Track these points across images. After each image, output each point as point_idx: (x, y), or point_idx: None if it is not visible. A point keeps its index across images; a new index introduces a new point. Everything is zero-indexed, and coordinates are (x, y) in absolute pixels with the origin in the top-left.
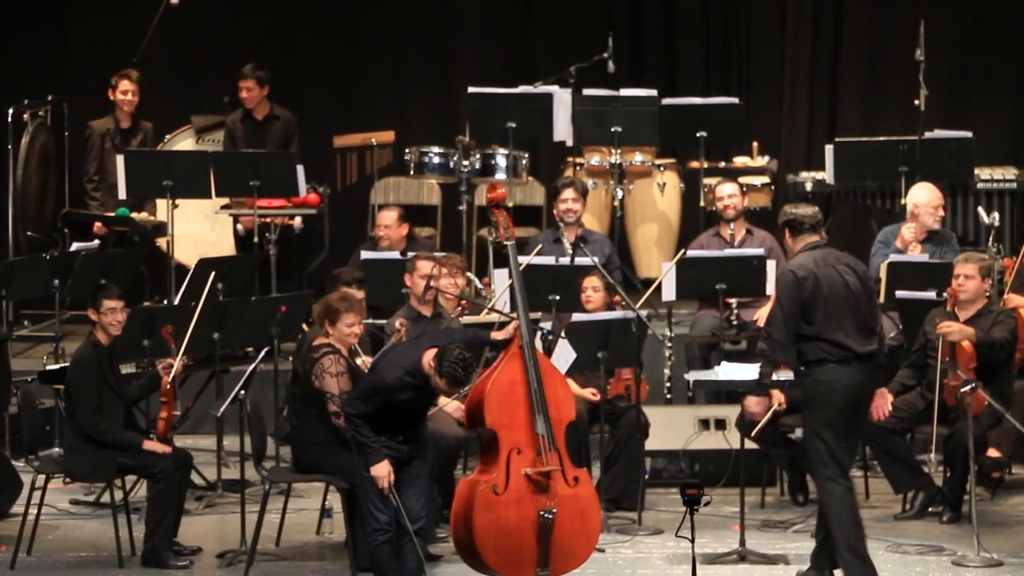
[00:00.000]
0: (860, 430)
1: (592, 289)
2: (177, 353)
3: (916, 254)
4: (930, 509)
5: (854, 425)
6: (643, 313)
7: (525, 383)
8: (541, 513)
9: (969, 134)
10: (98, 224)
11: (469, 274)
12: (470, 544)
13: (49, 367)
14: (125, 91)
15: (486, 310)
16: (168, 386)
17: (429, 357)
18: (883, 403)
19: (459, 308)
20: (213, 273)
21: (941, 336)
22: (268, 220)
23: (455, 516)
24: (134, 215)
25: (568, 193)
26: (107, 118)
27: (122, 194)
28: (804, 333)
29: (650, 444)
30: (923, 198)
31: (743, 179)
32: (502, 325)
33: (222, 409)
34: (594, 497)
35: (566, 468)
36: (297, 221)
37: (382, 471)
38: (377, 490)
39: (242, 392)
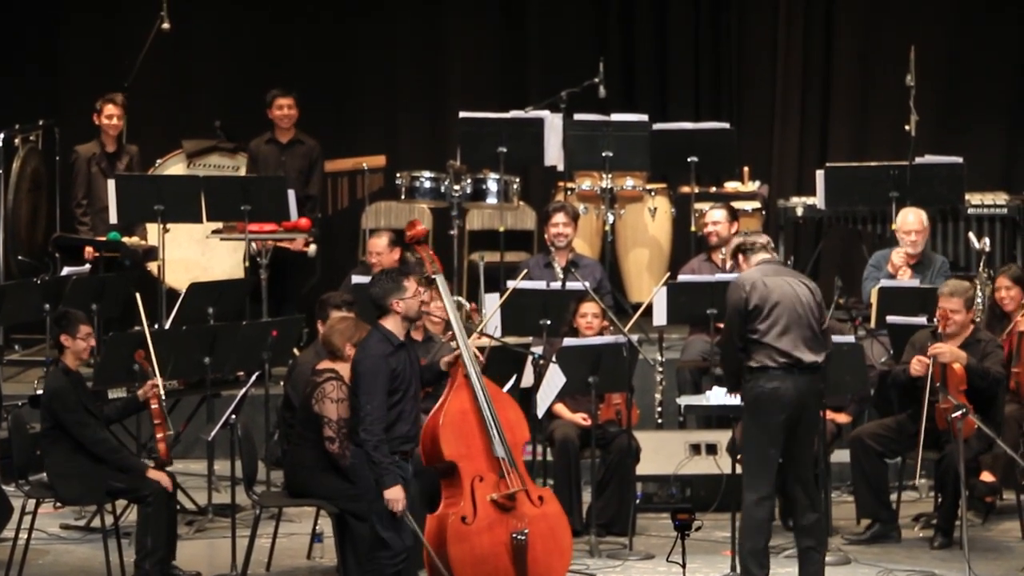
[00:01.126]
0: (802, 444)
1: (592, 315)
2: (154, 375)
3: (906, 279)
4: (863, 535)
5: (794, 437)
6: (634, 338)
7: (476, 411)
8: (514, 536)
9: (960, 160)
10: (89, 249)
11: (458, 298)
12: None
13: (39, 391)
14: (110, 115)
15: (476, 334)
16: (156, 408)
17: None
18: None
19: (449, 332)
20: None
21: (933, 358)
22: (260, 245)
23: (429, 555)
24: (125, 239)
25: (559, 217)
26: (92, 143)
27: (113, 218)
28: (749, 337)
29: (641, 469)
30: (899, 222)
31: (735, 204)
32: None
33: (213, 433)
34: (561, 513)
35: (530, 489)
36: (312, 249)
37: (398, 494)
38: (390, 515)
39: (233, 416)
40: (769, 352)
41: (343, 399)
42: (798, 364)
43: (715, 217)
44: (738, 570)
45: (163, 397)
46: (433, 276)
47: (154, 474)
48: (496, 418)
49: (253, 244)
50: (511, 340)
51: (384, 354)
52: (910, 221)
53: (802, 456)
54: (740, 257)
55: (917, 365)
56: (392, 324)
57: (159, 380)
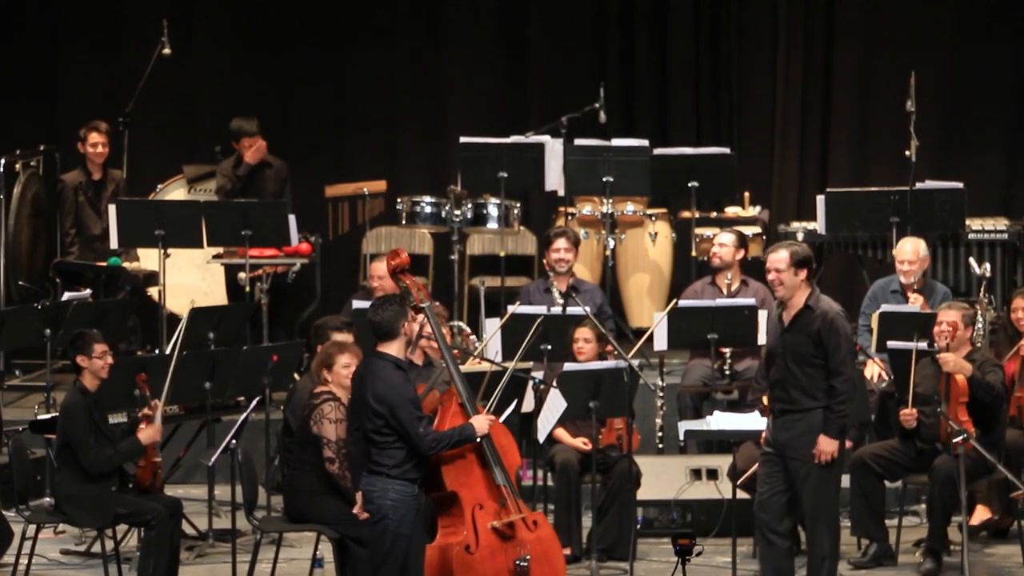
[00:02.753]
0: None
1: (584, 340)
2: (152, 400)
3: (917, 306)
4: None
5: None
6: (635, 363)
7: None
8: (517, 562)
9: (960, 185)
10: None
11: (459, 323)
12: None
13: (40, 416)
14: (95, 143)
15: (474, 358)
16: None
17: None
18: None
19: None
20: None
21: (936, 366)
22: (260, 271)
23: None
24: (125, 264)
25: (560, 243)
26: (77, 171)
27: (114, 243)
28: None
29: (642, 494)
30: (896, 250)
31: (735, 228)
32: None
33: (213, 458)
34: (553, 536)
35: (525, 513)
36: (297, 265)
37: (483, 422)
38: (399, 555)
39: (233, 441)
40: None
41: (341, 419)
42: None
43: (722, 240)
44: None
45: (159, 421)
46: (421, 305)
47: (144, 434)
48: (494, 446)
49: (241, 274)
50: (511, 365)
51: (405, 380)
52: (906, 251)
53: None
54: (806, 271)
55: (908, 418)
56: (396, 349)
57: (157, 404)
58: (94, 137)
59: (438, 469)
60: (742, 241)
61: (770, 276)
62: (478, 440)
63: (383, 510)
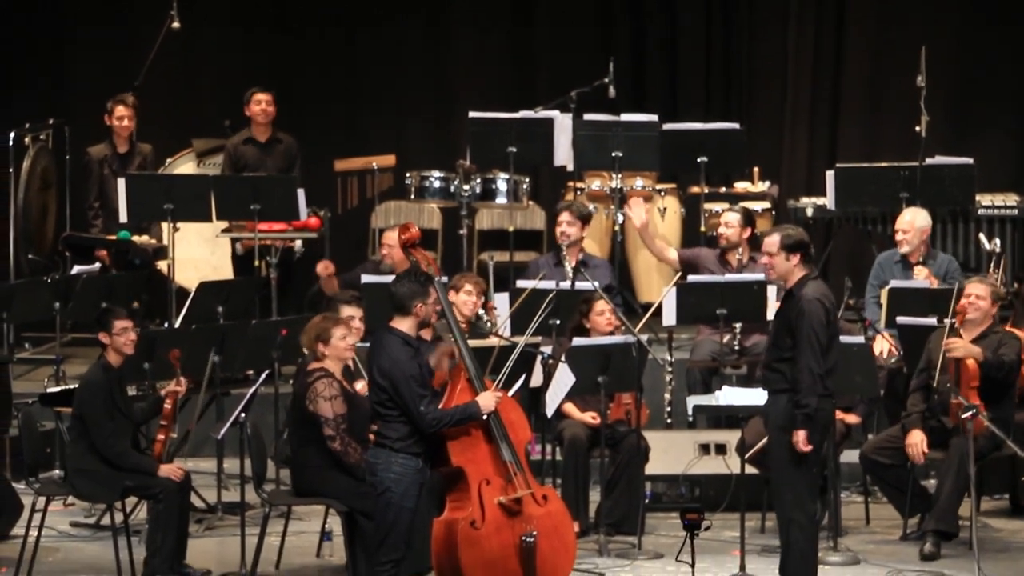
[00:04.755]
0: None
1: (609, 311)
2: (180, 376)
3: (922, 279)
4: (912, 534)
5: (822, 453)
6: (643, 338)
7: None
8: (523, 538)
9: (970, 160)
10: (103, 253)
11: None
12: None
13: (50, 390)
14: (121, 116)
15: (492, 335)
16: (169, 409)
17: (408, 313)
18: (917, 444)
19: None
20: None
21: (944, 353)
22: (269, 244)
23: (438, 560)
24: (135, 238)
25: (563, 216)
26: (103, 144)
27: (123, 217)
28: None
29: (650, 468)
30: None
31: (745, 204)
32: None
33: (222, 432)
34: (564, 510)
35: (534, 489)
36: (298, 244)
37: (488, 399)
38: (402, 528)
39: (242, 415)
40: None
41: (336, 395)
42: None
43: (728, 219)
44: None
45: (179, 400)
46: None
47: (165, 470)
48: (502, 422)
49: (238, 245)
50: (521, 340)
51: (411, 357)
52: (903, 220)
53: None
54: (798, 255)
55: (912, 451)
56: (407, 326)
57: (184, 381)
58: (120, 110)
59: (444, 445)
60: (748, 218)
61: (762, 259)
62: (484, 417)
63: (386, 483)
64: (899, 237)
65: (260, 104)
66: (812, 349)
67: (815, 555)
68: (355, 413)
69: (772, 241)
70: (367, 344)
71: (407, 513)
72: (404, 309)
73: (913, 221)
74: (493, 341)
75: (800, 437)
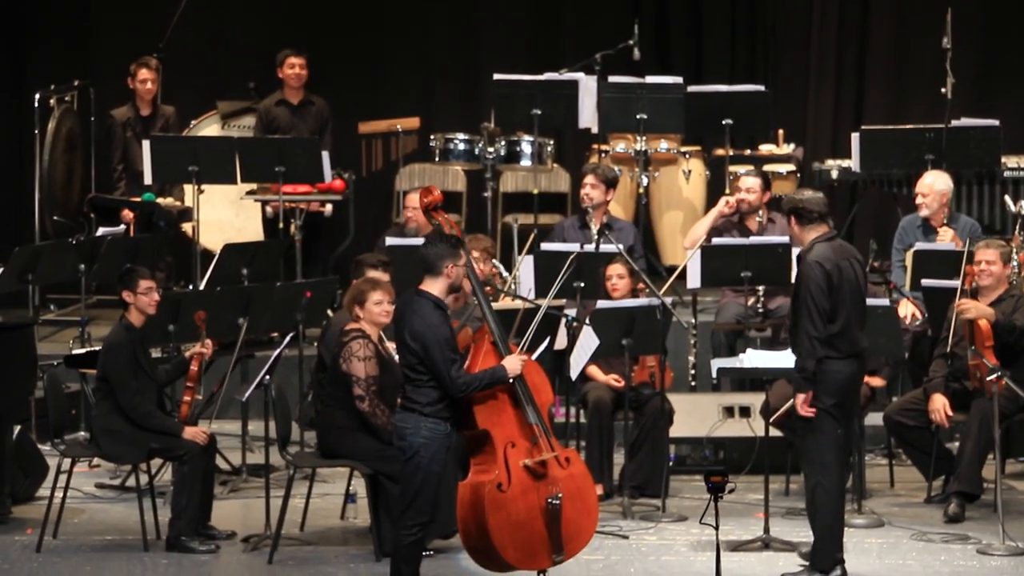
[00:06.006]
0: (855, 421)
1: (617, 277)
2: (206, 338)
3: (947, 241)
4: (936, 496)
5: (849, 416)
6: (668, 300)
7: None
8: (549, 500)
9: (996, 122)
10: (127, 213)
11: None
12: (487, 546)
13: (75, 351)
14: (144, 79)
15: (509, 297)
16: (195, 371)
17: (439, 275)
18: (940, 409)
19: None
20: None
21: (957, 315)
22: (293, 206)
23: (463, 523)
24: (159, 200)
25: (588, 179)
26: (127, 107)
27: (148, 179)
28: (830, 332)
29: (674, 431)
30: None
31: (769, 166)
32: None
33: (247, 394)
34: (586, 472)
35: (557, 451)
36: (328, 208)
37: (515, 363)
38: (429, 492)
39: (267, 377)
40: (838, 343)
41: (370, 357)
42: (858, 351)
43: (748, 184)
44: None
45: (204, 362)
46: None
47: (190, 432)
48: (526, 385)
49: (268, 207)
50: (544, 303)
51: (442, 320)
52: (923, 183)
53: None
54: (793, 219)
55: (935, 416)
56: (438, 289)
57: (211, 344)
58: (143, 73)
59: (470, 408)
60: (767, 183)
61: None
62: (510, 381)
63: (414, 447)
64: (919, 201)
65: (294, 68)
66: (808, 313)
67: (841, 519)
68: (388, 378)
69: (783, 206)
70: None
71: (434, 477)
72: (435, 270)
73: (933, 184)
74: (516, 304)
75: (799, 400)
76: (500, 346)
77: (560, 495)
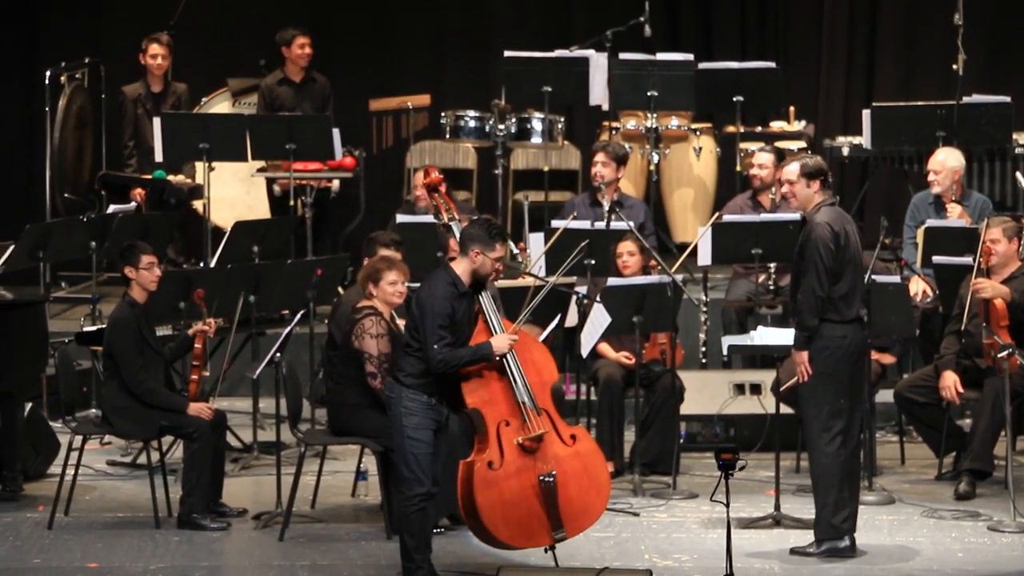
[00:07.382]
0: (863, 396)
1: (628, 254)
2: (208, 317)
3: (955, 218)
4: (947, 473)
5: (857, 389)
6: (679, 277)
7: None
8: (541, 478)
9: (1007, 99)
10: (138, 191)
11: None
12: (480, 524)
13: (86, 328)
14: (155, 55)
15: (522, 274)
16: (199, 349)
17: (466, 255)
18: (950, 387)
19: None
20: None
21: (972, 293)
22: (304, 183)
23: (461, 501)
24: (170, 178)
25: (598, 157)
26: (138, 83)
27: (159, 157)
28: (836, 293)
29: (685, 408)
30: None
31: (781, 143)
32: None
33: (258, 371)
34: (596, 450)
35: (560, 428)
36: (335, 184)
37: (502, 341)
38: (423, 462)
39: (278, 355)
40: (840, 306)
41: (382, 334)
42: (858, 317)
43: (761, 160)
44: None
45: (210, 339)
46: (450, 223)
47: (194, 408)
48: (517, 363)
49: (276, 185)
50: (552, 279)
51: (449, 296)
52: (936, 160)
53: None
54: (817, 182)
55: (946, 393)
56: (462, 270)
57: (213, 322)
58: (154, 48)
59: (459, 387)
60: (781, 157)
61: (783, 189)
62: (496, 359)
63: (399, 415)
64: (931, 178)
65: (304, 48)
66: (816, 270)
67: (845, 489)
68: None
69: (792, 169)
70: (416, 284)
71: (422, 446)
72: (463, 250)
73: (945, 161)
74: (527, 281)
75: (802, 358)
76: (492, 324)
77: (554, 473)
